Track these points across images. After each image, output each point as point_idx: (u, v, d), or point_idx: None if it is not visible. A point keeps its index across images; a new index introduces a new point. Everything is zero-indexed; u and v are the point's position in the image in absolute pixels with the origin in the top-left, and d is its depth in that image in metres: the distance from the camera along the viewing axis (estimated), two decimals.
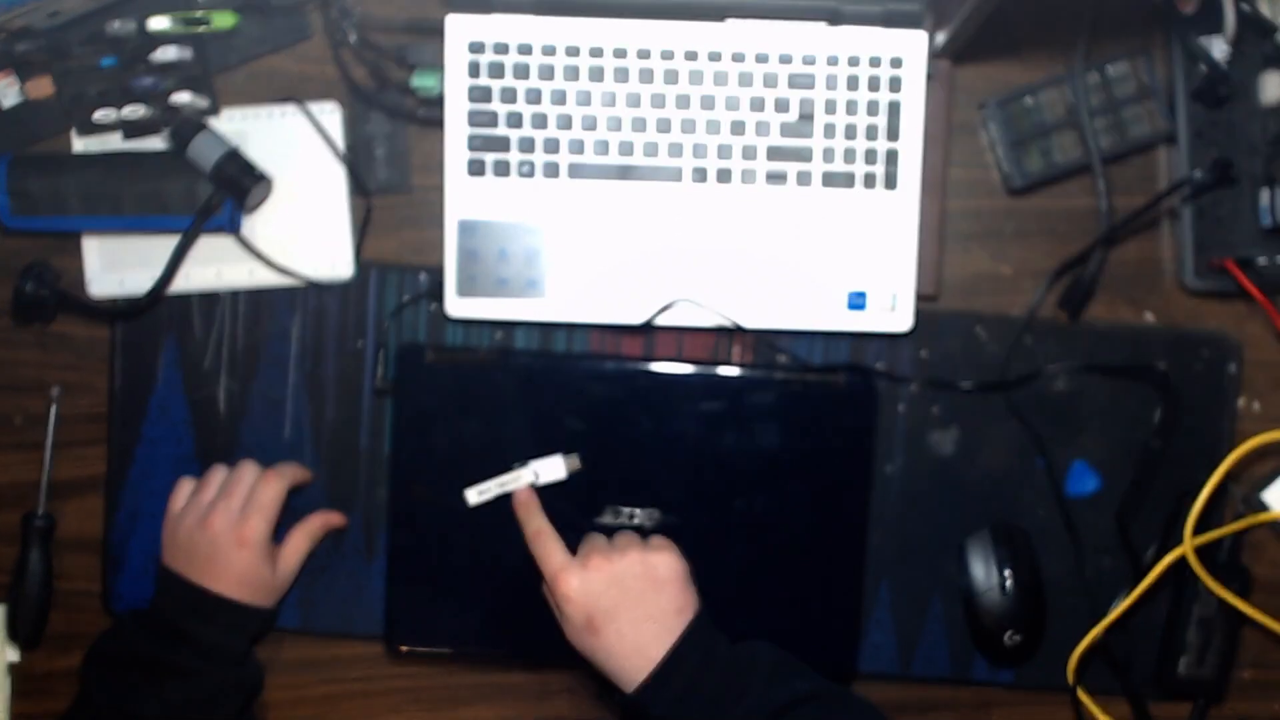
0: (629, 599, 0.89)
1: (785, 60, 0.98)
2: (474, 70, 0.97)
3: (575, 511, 0.97)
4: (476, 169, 0.98)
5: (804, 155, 0.98)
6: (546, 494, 0.97)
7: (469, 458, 0.97)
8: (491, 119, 0.98)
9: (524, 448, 0.97)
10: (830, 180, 0.98)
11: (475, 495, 0.96)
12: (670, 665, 0.87)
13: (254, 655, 0.98)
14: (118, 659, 0.93)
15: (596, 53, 0.97)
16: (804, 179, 0.98)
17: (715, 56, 0.98)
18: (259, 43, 1.00)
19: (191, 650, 0.92)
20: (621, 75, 0.98)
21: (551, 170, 0.98)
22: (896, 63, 0.98)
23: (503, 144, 0.98)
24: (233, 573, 0.93)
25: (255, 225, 1.00)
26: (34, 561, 1.00)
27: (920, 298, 1.00)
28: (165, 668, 0.91)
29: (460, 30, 0.97)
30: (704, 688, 0.87)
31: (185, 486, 0.97)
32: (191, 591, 0.93)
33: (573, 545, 0.98)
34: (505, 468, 0.97)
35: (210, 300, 1.01)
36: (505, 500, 0.97)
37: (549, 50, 0.97)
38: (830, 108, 0.98)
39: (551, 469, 0.96)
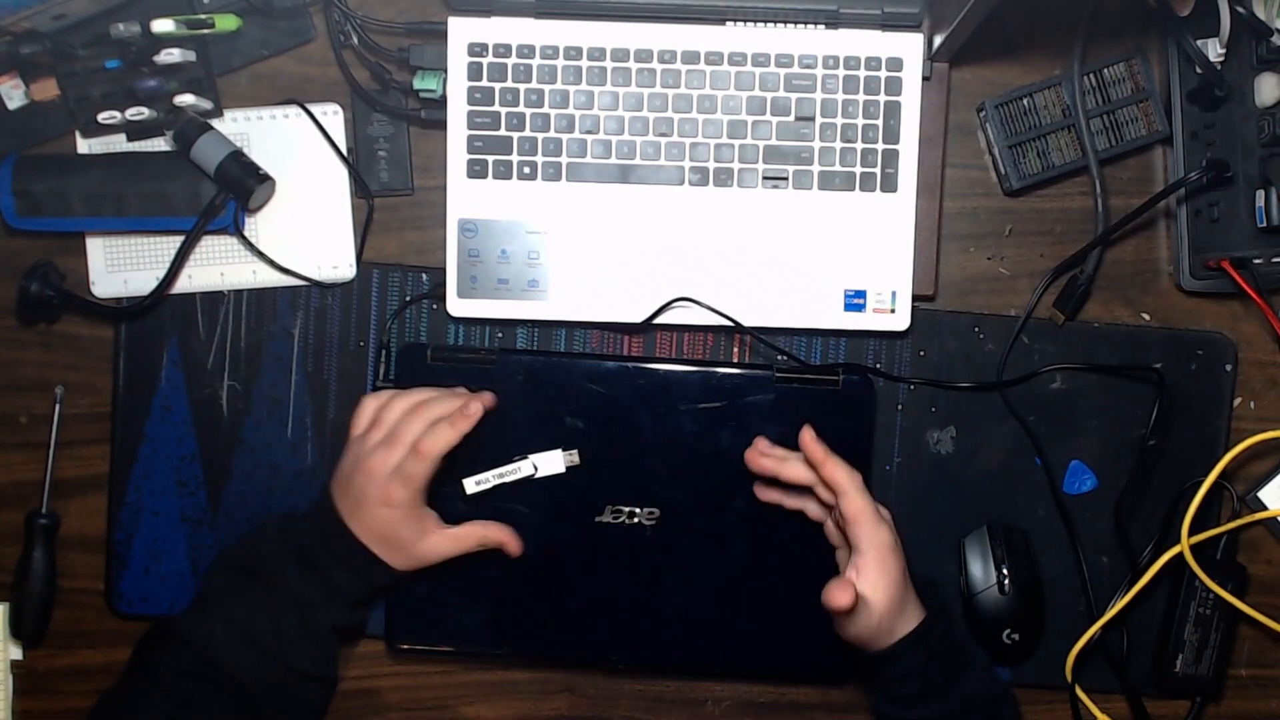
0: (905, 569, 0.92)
1: (784, 63, 0.99)
2: (475, 72, 0.98)
3: (575, 510, 0.98)
4: (478, 170, 0.99)
5: (802, 157, 0.99)
6: (546, 492, 0.98)
7: (470, 456, 0.98)
8: (493, 121, 0.98)
9: (525, 446, 0.98)
10: (828, 181, 0.99)
11: (473, 485, 0.97)
12: (923, 632, 0.90)
13: (369, 604, 0.97)
14: (248, 569, 0.92)
15: (597, 55, 0.98)
16: (802, 180, 0.99)
17: (715, 59, 0.99)
18: (262, 45, 1.00)
19: (316, 582, 0.92)
20: (622, 78, 0.98)
21: (552, 172, 0.99)
22: (894, 65, 0.98)
23: (504, 146, 0.98)
24: (373, 525, 0.92)
25: (258, 226, 1.01)
26: (37, 560, 1.01)
27: (918, 298, 1.01)
28: (289, 594, 0.91)
29: (462, 32, 0.98)
30: (942, 659, 0.91)
31: (369, 407, 0.94)
32: (336, 525, 0.92)
33: (574, 545, 0.98)
34: (505, 464, 0.97)
35: (213, 300, 1.01)
36: (506, 499, 0.98)
37: (550, 53, 0.98)
38: (828, 110, 0.99)
39: (550, 462, 0.97)
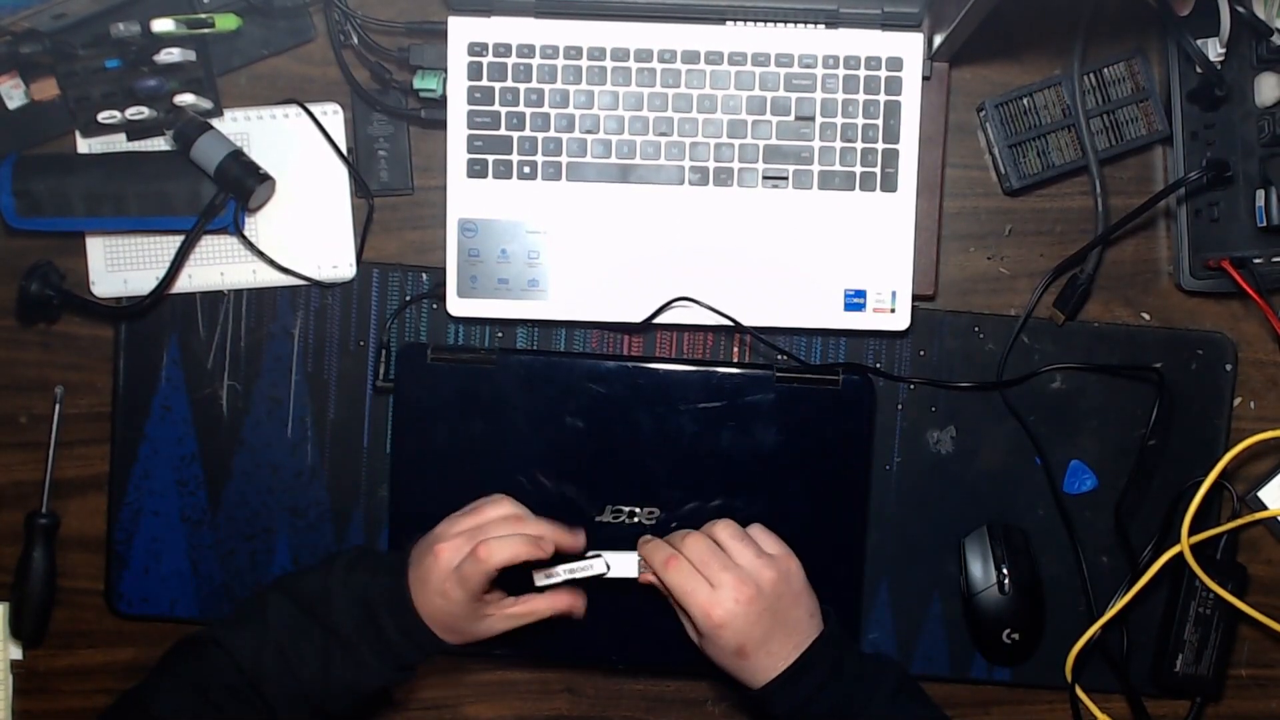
0: (777, 623, 0.90)
1: (784, 62, 0.99)
2: (475, 72, 0.98)
3: (575, 510, 0.98)
4: (478, 170, 0.99)
5: (802, 156, 0.99)
6: (546, 493, 0.97)
7: (470, 456, 0.98)
8: (493, 120, 0.98)
9: (524, 447, 0.98)
10: (828, 181, 0.99)
11: (542, 579, 0.93)
12: (797, 671, 0.89)
13: (416, 667, 0.94)
14: (311, 608, 0.91)
15: (597, 55, 0.98)
16: (802, 180, 0.99)
17: (715, 59, 0.99)
18: (262, 45, 1.00)
19: (373, 640, 0.90)
20: (622, 77, 0.98)
21: (552, 172, 0.99)
22: (894, 64, 0.98)
23: (504, 145, 0.98)
24: (430, 609, 0.90)
25: (258, 225, 1.01)
26: (37, 560, 1.01)
27: (918, 297, 1.01)
28: (342, 643, 0.90)
29: (462, 32, 0.98)
30: (827, 697, 0.89)
31: (487, 499, 0.93)
32: (404, 595, 0.90)
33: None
34: (506, 467, 0.97)
35: (213, 300, 1.01)
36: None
37: (550, 52, 0.98)
38: (828, 109, 0.99)
39: (624, 565, 0.94)
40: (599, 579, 0.93)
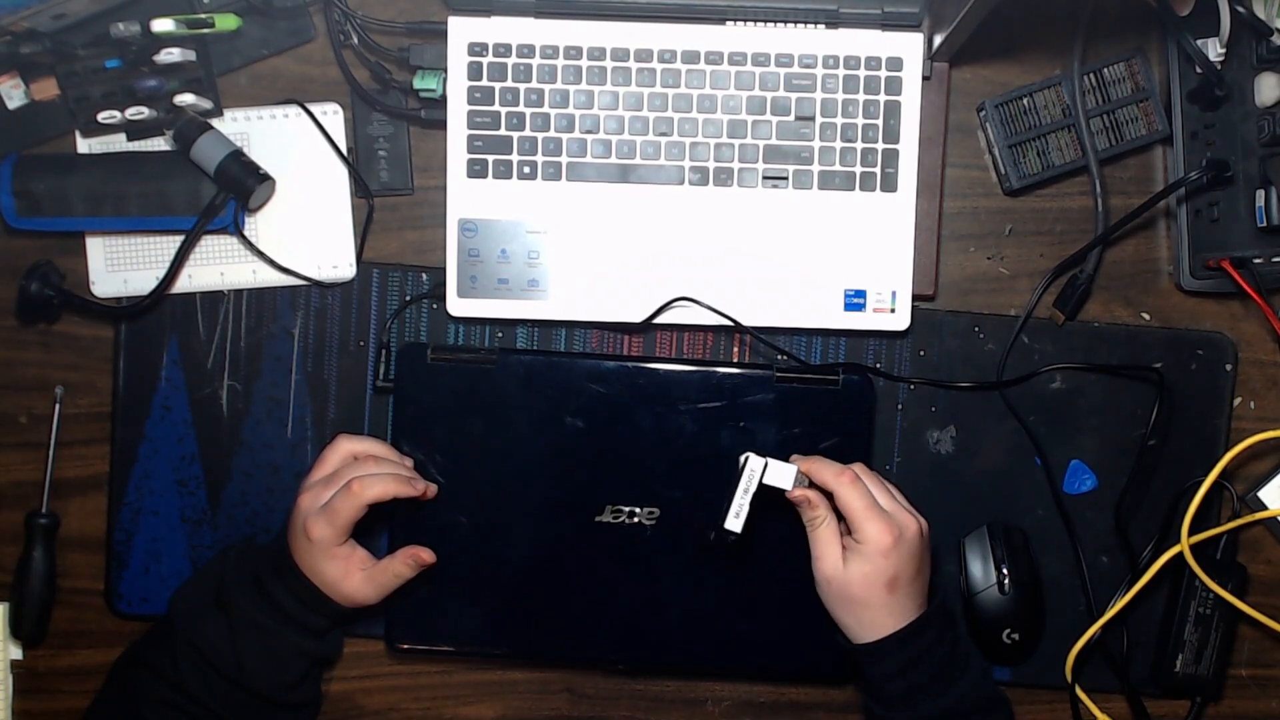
0: (923, 565, 0.91)
1: (784, 62, 0.99)
2: (475, 72, 0.98)
3: (575, 510, 0.98)
4: (478, 170, 0.99)
5: (802, 156, 0.99)
6: (547, 492, 0.98)
7: (470, 456, 0.98)
8: (493, 120, 0.98)
9: (524, 447, 0.98)
10: (828, 181, 0.99)
11: (735, 520, 0.90)
12: (913, 631, 0.90)
13: (335, 634, 0.98)
14: (211, 596, 0.94)
15: (597, 55, 0.98)
16: (802, 180, 0.99)
17: (715, 59, 0.99)
18: (262, 44, 1.01)
19: (269, 609, 0.93)
20: (622, 77, 0.98)
21: (552, 172, 0.99)
22: (894, 64, 0.98)
23: (504, 145, 0.98)
24: (303, 559, 0.93)
25: (258, 225, 1.01)
26: (37, 560, 1.01)
27: (918, 297, 1.01)
28: (244, 619, 0.92)
29: (462, 32, 0.98)
30: (931, 662, 0.90)
31: (328, 448, 0.96)
32: (282, 553, 0.94)
33: (574, 545, 0.98)
34: (506, 467, 0.97)
35: (213, 300, 1.01)
36: (503, 502, 0.98)
37: (550, 52, 0.98)
38: (828, 109, 0.99)
39: (781, 475, 0.91)
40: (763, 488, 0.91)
